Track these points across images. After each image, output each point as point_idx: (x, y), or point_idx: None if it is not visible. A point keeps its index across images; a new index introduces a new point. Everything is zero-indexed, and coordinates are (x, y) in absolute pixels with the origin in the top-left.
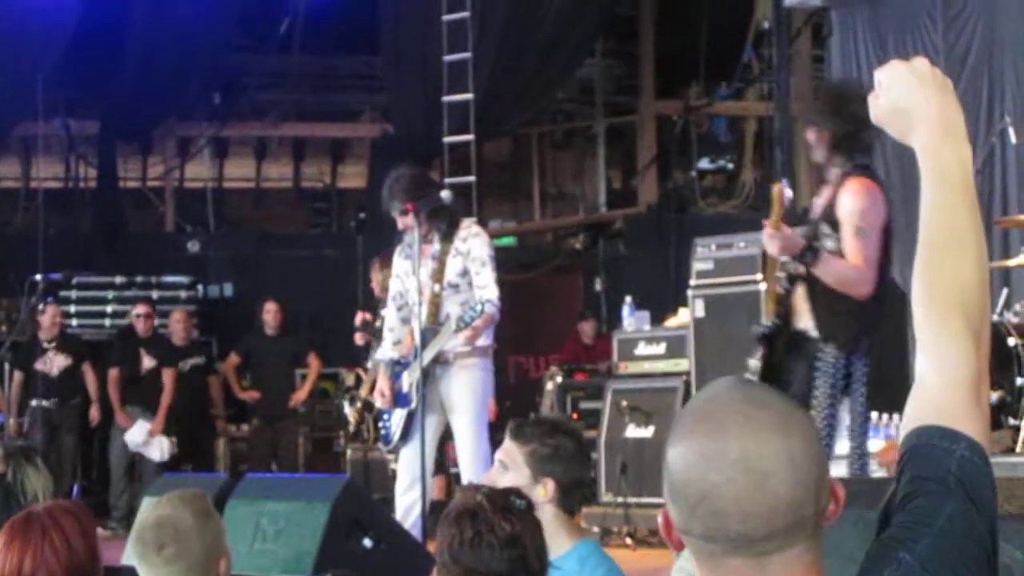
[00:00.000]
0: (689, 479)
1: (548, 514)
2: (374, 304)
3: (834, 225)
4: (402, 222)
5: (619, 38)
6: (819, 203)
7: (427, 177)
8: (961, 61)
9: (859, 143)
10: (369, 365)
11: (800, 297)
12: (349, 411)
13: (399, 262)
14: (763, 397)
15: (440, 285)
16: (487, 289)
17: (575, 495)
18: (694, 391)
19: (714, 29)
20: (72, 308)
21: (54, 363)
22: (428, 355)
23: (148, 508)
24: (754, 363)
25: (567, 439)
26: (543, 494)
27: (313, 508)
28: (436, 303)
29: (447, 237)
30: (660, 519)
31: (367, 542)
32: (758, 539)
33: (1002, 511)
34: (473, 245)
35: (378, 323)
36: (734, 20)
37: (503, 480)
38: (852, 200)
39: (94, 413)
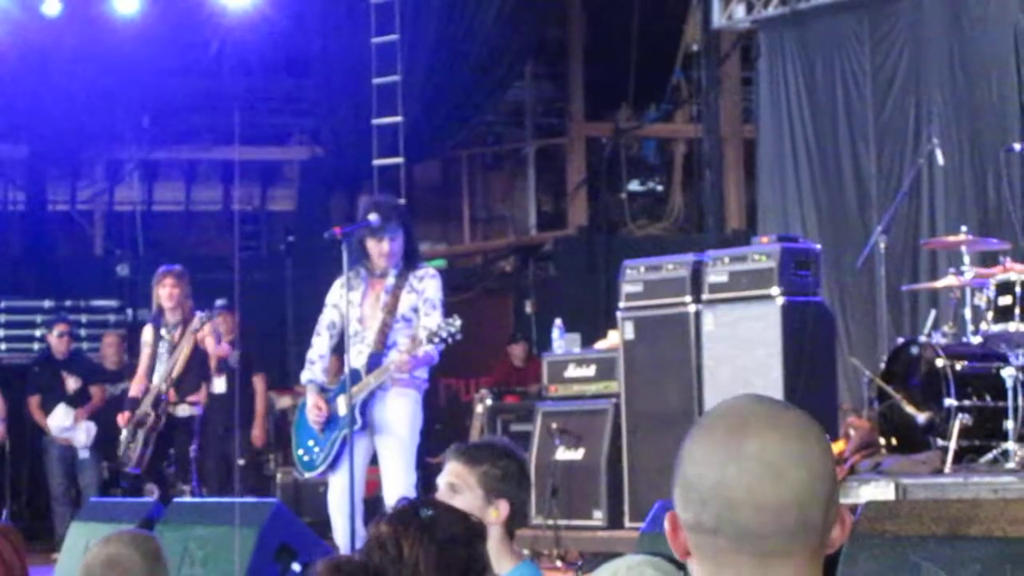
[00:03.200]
0: (705, 471)
1: (495, 536)
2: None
3: None
4: (390, 247)
5: (548, 60)
6: None
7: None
8: (888, 83)
9: None
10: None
11: None
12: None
13: (344, 292)
14: (784, 405)
15: (392, 316)
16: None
17: (519, 517)
18: (623, 413)
19: (643, 51)
20: (0, 332)
21: None
22: (376, 379)
23: (98, 544)
24: None
25: (514, 461)
26: (495, 515)
27: (241, 533)
28: (385, 332)
29: (403, 273)
30: (666, 523)
31: (295, 566)
32: (766, 535)
33: (929, 532)
34: (428, 286)
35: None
36: (663, 42)
37: (453, 503)
38: None
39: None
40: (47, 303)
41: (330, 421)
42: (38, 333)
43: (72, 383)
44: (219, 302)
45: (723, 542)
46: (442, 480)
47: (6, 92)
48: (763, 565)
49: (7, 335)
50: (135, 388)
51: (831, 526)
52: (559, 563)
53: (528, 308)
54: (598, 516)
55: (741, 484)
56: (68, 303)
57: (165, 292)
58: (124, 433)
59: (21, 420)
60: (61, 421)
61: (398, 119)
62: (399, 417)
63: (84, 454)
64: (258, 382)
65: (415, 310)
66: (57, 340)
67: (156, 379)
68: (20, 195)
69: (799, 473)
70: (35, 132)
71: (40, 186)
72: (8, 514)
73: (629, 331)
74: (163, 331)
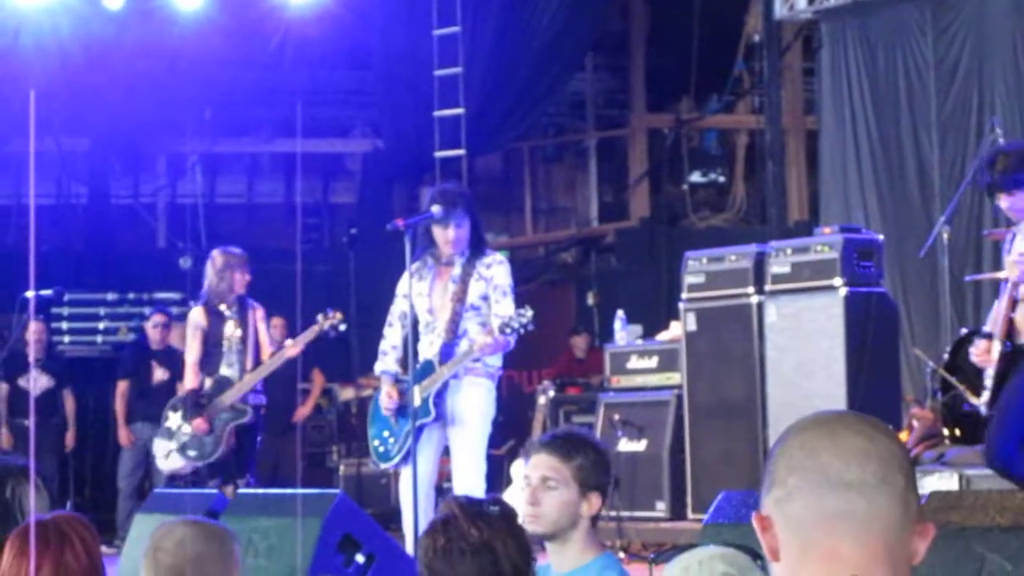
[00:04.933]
0: (794, 445)
1: (583, 528)
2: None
3: None
4: (456, 233)
5: (610, 52)
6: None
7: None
8: (951, 73)
9: None
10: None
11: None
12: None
13: (414, 283)
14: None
15: (462, 305)
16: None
17: (603, 508)
18: (686, 404)
19: (705, 42)
20: (64, 325)
21: (37, 382)
22: (451, 369)
23: (172, 527)
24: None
25: (602, 454)
26: (588, 509)
27: (305, 524)
28: (455, 321)
29: (471, 261)
30: (755, 522)
31: (359, 557)
32: (849, 480)
33: (992, 523)
34: (497, 273)
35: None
36: (725, 33)
37: (549, 498)
38: None
39: (70, 438)
40: (110, 296)
41: (405, 411)
42: (101, 326)
43: (160, 374)
44: None
45: (807, 501)
46: (532, 473)
47: (69, 86)
48: (848, 515)
49: (71, 328)
50: (193, 379)
51: (912, 509)
52: (622, 554)
53: (590, 300)
54: (661, 507)
55: (825, 437)
56: (131, 296)
57: (243, 278)
58: (186, 426)
59: (85, 412)
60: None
61: (460, 111)
62: (473, 406)
63: None
64: (316, 375)
65: (484, 298)
66: (152, 330)
67: (232, 370)
68: (83, 189)
69: (882, 435)
70: (97, 126)
71: (103, 179)
72: (72, 506)
73: (691, 322)
74: (229, 316)
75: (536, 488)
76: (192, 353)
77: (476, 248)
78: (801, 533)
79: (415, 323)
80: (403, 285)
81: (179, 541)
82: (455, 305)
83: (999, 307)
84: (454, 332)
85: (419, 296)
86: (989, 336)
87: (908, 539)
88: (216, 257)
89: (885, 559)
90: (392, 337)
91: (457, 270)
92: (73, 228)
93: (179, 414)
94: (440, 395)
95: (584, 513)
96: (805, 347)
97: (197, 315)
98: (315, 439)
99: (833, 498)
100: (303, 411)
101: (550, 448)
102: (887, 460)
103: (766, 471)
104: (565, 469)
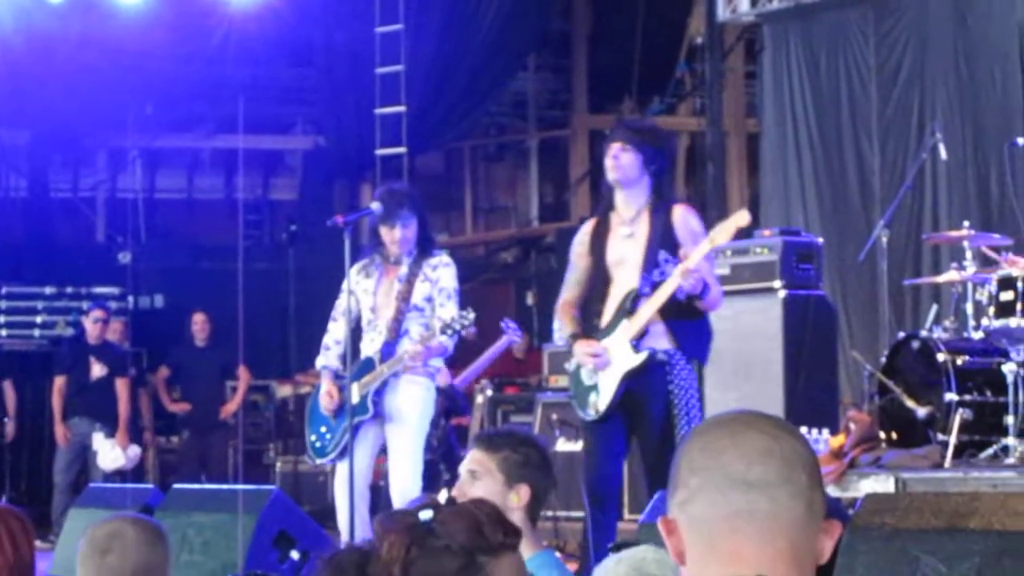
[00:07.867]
0: (696, 447)
1: (516, 521)
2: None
3: (671, 249)
4: (402, 234)
5: (552, 52)
6: (637, 231)
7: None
8: (892, 78)
9: (669, 174)
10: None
11: (644, 321)
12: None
13: (361, 280)
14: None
15: (406, 304)
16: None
17: (540, 504)
18: None
19: (647, 44)
20: (1, 318)
21: None
22: (390, 368)
23: (104, 521)
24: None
25: (535, 449)
26: (516, 500)
27: (240, 520)
28: (398, 320)
29: (417, 261)
30: (660, 526)
31: (294, 554)
32: (751, 480)
33: (928, 525)
34: (443, 275)
35: None
36: (667, 35)
37: (474, 490)
38: (697, 224)
39: (10, 429)
40: (48, 290)
41: (343, 408)
42: (39, 320)
43: (98, 370)
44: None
45: (710, 499)
46: (462, 469)
47: (9, 78)
48: (750, 515)
49: (8, 321)
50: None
51: (817, 507)
52: (557, 554)
53: (529, 299)
54: None
55: (726, 438)
56: (69, 290)
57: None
58: None
59: (22, 406)
60: (112, 463)
61: (401, 109)
62: (410, 405)
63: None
64: (242, 372)
65: (429, 300)
66: (92, 325)
67: None
68: (22, 181)
69: (786, 434)
70: (38, 118)
71: (42, 173)
72: (7, 500)
73: None
74: None
75: (463, 482)
76: None
77: (424, 248)
78: (705, 534)
79: (358, 320)
80: (355, 281)
81: (126, 545)
82: (399, 304)
83: None
84: (396, 331)
85: (364, 293)
86: None
87: (813, 537)
88: None
89: (790, 558)
90: (335, 332)
91: (404, 270)
92: (11, 221)
93: None
94: (379, 393)
95: (512, 505)
96: (743, 349)
97: None
98: (252, 436)
99: (735, 497)
100: (230, 407)
101: (478, 442)
102: (790, 459)
103: (671, 475)
104: (489, 461)
